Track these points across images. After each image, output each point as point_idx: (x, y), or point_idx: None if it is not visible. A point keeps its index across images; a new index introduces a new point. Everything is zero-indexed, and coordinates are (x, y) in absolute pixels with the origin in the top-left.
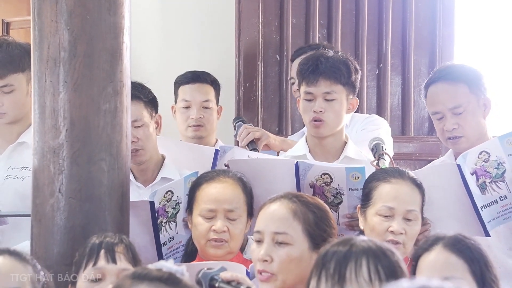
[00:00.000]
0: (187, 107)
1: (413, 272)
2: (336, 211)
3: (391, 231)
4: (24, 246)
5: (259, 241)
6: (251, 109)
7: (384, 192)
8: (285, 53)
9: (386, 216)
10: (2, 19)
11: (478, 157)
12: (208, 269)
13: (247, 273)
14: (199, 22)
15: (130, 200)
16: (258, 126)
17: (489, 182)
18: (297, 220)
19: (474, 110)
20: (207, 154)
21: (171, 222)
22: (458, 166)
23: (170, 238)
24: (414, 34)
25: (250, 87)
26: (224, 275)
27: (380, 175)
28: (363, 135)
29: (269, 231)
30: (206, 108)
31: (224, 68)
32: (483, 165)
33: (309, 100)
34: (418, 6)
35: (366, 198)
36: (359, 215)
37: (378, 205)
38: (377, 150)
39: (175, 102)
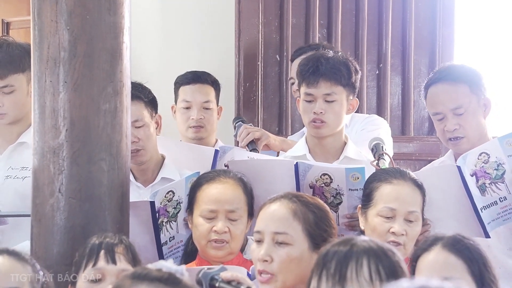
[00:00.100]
0: (187, 108)
1: (412, 272)
2: (336, 212)
3: (392, 232)
4: (24, 246)
5: (259, 241)
6: (251, 109)
7: (386, 193)
8: (285, 53)
9: (387, 217)
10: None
11: (478, 159)
12: (208, 269)
13: (248, 275)
14: (199, 22)
15: (130, 200)
16: (258, 126)
17: (488, 183)
18: (297, 220)
19: (475, 110)
20: (207, 155)
21: (172, 221)
22: (458, 167)
23: (171, 237)
24: (414, 34)
25: (250, 87)
26: (224, 275)
27: (381, 176)
28: (363, 135)
29: (269, 231)
30: (207, 108)
31: (224, 68)
32: (482, 166)
33: (310, 101)
34: (418, 6)
35: (367, 199)
36: (360, 215)
37: (380, 206)
38: (377, 150)
39: (175, 102)
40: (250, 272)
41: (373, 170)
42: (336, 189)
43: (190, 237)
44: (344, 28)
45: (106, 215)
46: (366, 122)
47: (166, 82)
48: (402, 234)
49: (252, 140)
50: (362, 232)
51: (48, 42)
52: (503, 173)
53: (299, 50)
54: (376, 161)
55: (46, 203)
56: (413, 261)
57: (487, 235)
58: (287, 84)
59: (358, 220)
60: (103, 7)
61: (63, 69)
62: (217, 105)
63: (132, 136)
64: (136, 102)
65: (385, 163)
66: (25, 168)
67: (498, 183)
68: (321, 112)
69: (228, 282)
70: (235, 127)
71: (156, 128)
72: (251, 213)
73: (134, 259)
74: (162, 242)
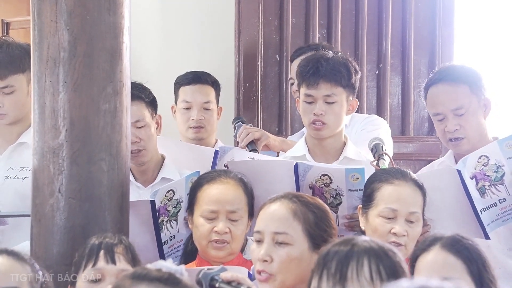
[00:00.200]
0: (187, 108)
1: (411, 272)
2: (335, 212)
3: (394, 233)
4: (24, 246)
5: (259, 241)
6: (251, 109)
7: (387, 193)
8: (285, 53)
9: (388, 218)
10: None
11: (478, 161)
12: (208, 269)
13: (249, 275)
14: (199, 22)
15: (130, 200)
16: (257, 127)
17: (488, 186)
18: (297, 220)
19: (475, 110)
20: (207, 155)
21: (172, 220)
22: (458, 171)
23: (171, 236)
24: (413, 34)
25: (250, 87)
26: (224, 275)
27: (383, 176)
28: (362, 135)
29: (269, 231)
30: (207, 109)
31: (224, 68)
32: (482, 169)
33: (310, 103)
34: (418, 6)
35: (368, 199)
36: (360, 215)
37: (381, 207)
38: (376, 150)
39: (175, 102)
40: (251, 272)
41: (373, 170)
42: (335, 190)
43: (190, 237)
44: (344, 28)
45: (106, 215)
46: (366, 122)
47: (166, 82)
48: (403, 235)
49: (252, 140)
50: (363, 233)
51: (48, 42)
52: (503, 175)
53: (298, 50)
54: (376, 161)
55: (46, 203)
56: (412, 261)
57: (487, 237)
58: (287, 84)
59: (357, 220)
60: (103, 7)
61: (63, 69)
62: (217, 106)
63: (134, 136)
64: (137, 102)
65: (385, 163)
66: (25, 168)
67: (498, 185)
68: (321, 114)
69: (228, 283)
70: (235, 128)
71: (156, 128)
72: (252, 213)
73: (133, 259)
74: (162, 241)
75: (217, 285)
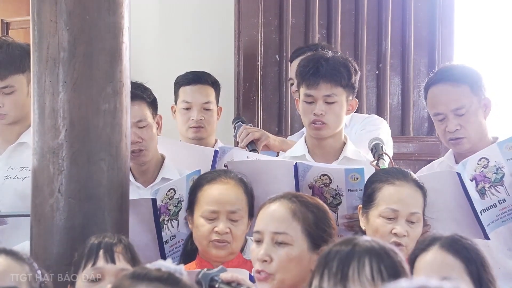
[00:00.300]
0: (187, 108)
1: (410, 272)
2: (335, 212)
3: (395, 233)
4: (23, 246)
5: (258, 241)
6: (251, 109)
7: (388, 194)
8: (284, 53)
9: (389, 218)
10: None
11: (478, 164)
12: (208, 269)
13: (250, 277)
14: (199, 22)
15: (131, 199)
16: (257, 127)
17: (488, 187)
18: (296, 220)
19: (476, 110)
20: (207, 155)
21: (173, 220)
22: (458, 174)
23: (172, 236)
24: (413, 34)
25: (249, 87)
26: (224, 276)
27: (383, 176)
28: (362, 135)
29: (268, 231)
30: (207, 109)
31: (224, 68)
32: (482, 171)
33: (309, 103)
34: (418, 6)
35: (368, 199)
36: (361, 215)
37: (382, 207)
38: (376, 150)
39: (175, 102)
40: (252, 274)
41: (373, 170)
42: (335, 190)
43: (189, 237)
44: (344, 28)
45: (105, 215)
46: (365, 122)
47: (166, 82)
48: (404, 235)
49: (252, 140)
50: (364, 233)
51: (48, 42)
52: (502, 176)
53: (298, 50)
54: (376, 161)
55: (45, 203)
56: (411, 261)
57: (487, 237)
58: (287, 84)
59: (357, 220)
60: (103, 7)
61: (62, 69)
62: (217, 106)
63: (136, 136)
64: (139, 102)
65: (385, 163)
66: (25, 168)
67: (497, 186)
68: (321, 114)
69: (228, 283)
70: (234, 128)
71: (157, 129)
72: (252, 214)
73: (133, 259)
74: (163, 240)
75: (216, 285)
